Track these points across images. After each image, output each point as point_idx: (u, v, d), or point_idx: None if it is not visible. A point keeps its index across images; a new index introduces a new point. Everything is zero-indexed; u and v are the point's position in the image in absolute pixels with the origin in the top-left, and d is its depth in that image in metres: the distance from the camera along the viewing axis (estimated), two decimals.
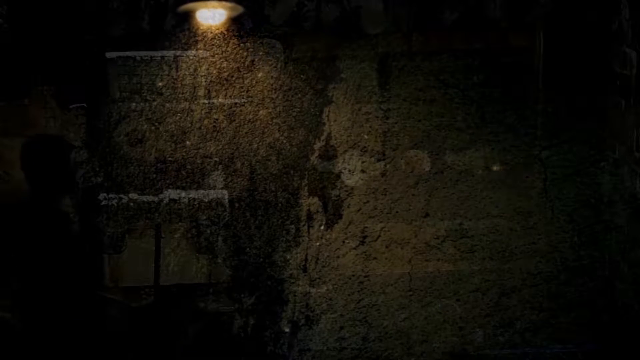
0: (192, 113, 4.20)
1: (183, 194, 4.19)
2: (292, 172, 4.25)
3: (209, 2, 4.16)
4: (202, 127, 4.20)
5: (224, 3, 4.18)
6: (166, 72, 4.18)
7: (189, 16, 4.17)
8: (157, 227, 4.19)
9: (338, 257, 4.30)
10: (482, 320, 4.36)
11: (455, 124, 4.30)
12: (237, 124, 4.22)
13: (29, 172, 3.95)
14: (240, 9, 4.18)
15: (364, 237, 4.29)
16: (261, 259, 4.24)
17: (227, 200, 4.20)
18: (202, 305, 4.19)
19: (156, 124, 4.19)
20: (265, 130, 4.23)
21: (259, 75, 4.22)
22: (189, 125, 4.20)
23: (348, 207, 4.28)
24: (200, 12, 4.17)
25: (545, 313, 4.36)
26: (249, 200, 4.23)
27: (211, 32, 4.19)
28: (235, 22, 4.19)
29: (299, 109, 4.24)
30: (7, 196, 4.13)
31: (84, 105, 4.14)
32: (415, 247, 4.32)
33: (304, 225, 4.27)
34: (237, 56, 4.21)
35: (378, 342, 4.32)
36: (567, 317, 4.37)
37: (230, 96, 4.22)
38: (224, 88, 4.21)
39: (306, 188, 4.26)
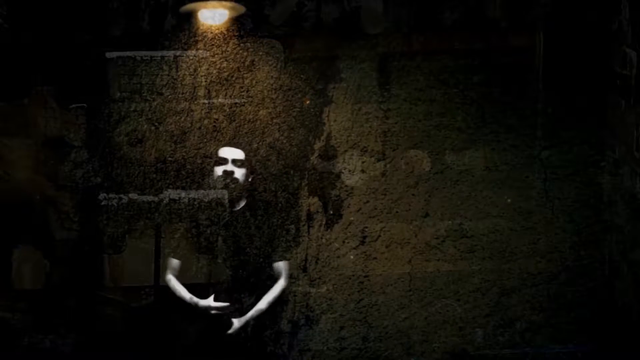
0: (192, 113, 4.20)
1: (183, 194, 4.19)
2: (292, 172, 4.25)
3: (209, 2, 4.16)
4: (202, 127, 4.20)
5: (224, 3, 4.18)
6: (166, 72, 4.18)
7: (189, 16, 4.17)
8: (157, 227, 4.18)
9: (338, 257, 4.30)
10: (482, 320, 4.36)
11: (455, 124, 4.30)
12: (237, 124, 4.22)
13: None
14: (242, 9, 4.18)
15: (364, 237, 4.29)
16: (261, 259, 4.24)
17: (227, 200, 4.20)
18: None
19: (156, 124, 4.19)
20: (265, 130, 4.23)
21: (259, 75, 4.22)
22: (189, 125, 4.20)
23: (348, 207, 4.28)
24: (201, 12, 4.17)
25: (545, 313, 4.36)
26: (249, 200, 4.23)
27: (211, 32, 4.19)
28: (235, 22, 4.19)
29: (299, 109, 4.24)
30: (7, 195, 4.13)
31: (84, 105, 4.14)
32: (415, 247, 4.32)
33: (304, 225, 4.27)
34: (237, 56, 4.21)
35: (378, 342, 4.32)
36: (567, 317, 4.37)
37: (230, 96, 4.22)
38: (224, 88, 4.21)
39: (306, 188, 4.26)
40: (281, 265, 4.12)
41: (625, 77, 4.17)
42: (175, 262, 4.11)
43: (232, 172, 4.00)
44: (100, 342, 4.17)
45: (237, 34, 4.19)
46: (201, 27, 4.18)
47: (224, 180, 4.01)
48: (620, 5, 4.21)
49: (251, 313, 4.03)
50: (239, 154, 4.05)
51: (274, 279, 4.12)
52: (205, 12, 4.16)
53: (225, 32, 4.18)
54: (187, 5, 4.15)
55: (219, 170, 4.04)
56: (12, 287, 4.16)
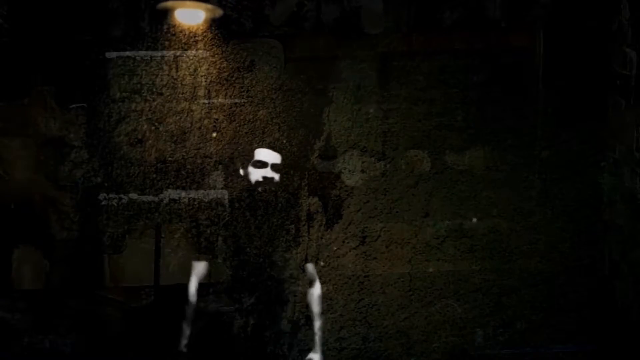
0: (192, 113, 4.20)
1: (183, 194, 4.19)
2: (292, 172, 4.25)
3: (186, 2, 4.16)
4: (202, 127, 4.20)
5: (200, 4, 4.18)
6: (166, 72, 4.18)
7: (166, 14, 4.17)
8: (157, 227, 4.18)
9: (338, 257, 4.29)
10: (482, 320, 4.36)
11: (455, 124, 4.30)
12: (237, 124, 4.22)
13: None
14: (219, 11, 4.18)
15: (364, 237, 4.29)
16: (261, 259, 4.24)
17: (227, 200, 4.20)
18: (202, 305, 4.19)
19: (156, 124, 4.19)
20: (265, 130, 4.23)
21: (259, 75, 4.22)
22: (189, 125, 4.20)
23: (348, 207, 4.27)
24: (191, 11, 4.17)
25: (545, 313, 4.36)
26: (249, 200, 4.23)
27: (212, 32, 4.19)
28: (235, 23, 4.19)
29: (299, 109, 4.24)
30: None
31: (84, 105, 4.14)
32: (415, 247, 4.31)
33: (304, 225, 4.27)
34: (237, 56, 4.21)
35: (378, 342, 4.32)
36: (567, 317, 4.37)
37: (230, 96, 4.22)
38: (224, 88, 4.21)
39: (306, 188, 4.26)
40: (311, 267, 4.04)
41: (625, 77, 4.17)
42: (201, 266, 3.96)
43: (272, 179, 3.77)
44: (100, 342, 4.17)
45: (237, 33, 4.20)
46: (202, 27, 4.18)
47: (263, 185, 3.75)
48: (620, 6, 4.21)
49: (318, 334, 3.85)
50: (277, 158, 3.83)
51: (307, 281, 4.06)
52: (182, 12, 4.16)
53: (225, 32, 4.18)
54: (163, 3, 4.15)
55: (256, 174, 3.81)
56: (13, 287, 4.16)
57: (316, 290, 3.78)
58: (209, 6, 4.16)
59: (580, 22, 4.28)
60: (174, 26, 4.16)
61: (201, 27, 4.18)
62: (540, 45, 4.30)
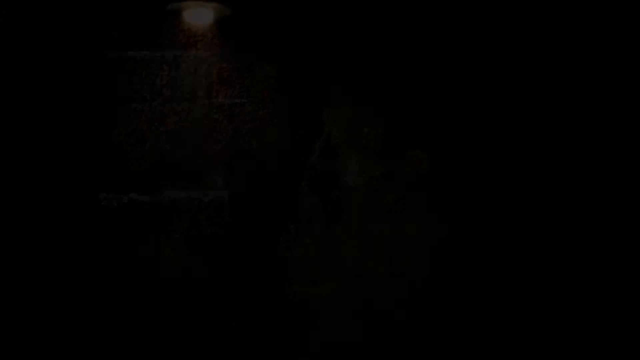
0: (192, 113, 4.21)
1: (183, 194, 4.20)
2: (292, 172, 4.25)
3: (195, 2, 4.17)
4: (202, 127, 4.21)
5: (209, 3, 4.19)
6: (166, 72, 4.19)
7: (175, 15, 4.18)
8: (157, 227, 4.19)
9: (338, 257, 4.29)
10: None
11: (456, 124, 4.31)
12: (237, 124, 4.22)
13: None
14: (227, 11, 4.19)
15: (364, 237, 4.29)
16: (261, 259, 4.24)
17: (227, 200, 4.20)
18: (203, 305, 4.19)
19: (156, 124, 4.19)
20: (265, 130, 4.24)
21: (259, 75, 4.23)
22: (189, 125, 4.21)
23: (348, 207, 4.27)
24: (201, 11, 4.18)
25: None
26: (249, 200, 4.23)
27: (211, 32, 4.20)
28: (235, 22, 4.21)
29: (299, 109, 4.24)
30: None
31: (84, 105, 4.15)
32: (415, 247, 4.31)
33: (304, 225, 4.28)
34: (237, 56, 4.22)
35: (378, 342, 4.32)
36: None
37: (230, 96, 4.23)
38: (224, 88, 4.22)
39: (306, 188, 4.26)
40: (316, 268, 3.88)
41: None
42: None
43: None
44: None
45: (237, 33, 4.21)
46: (201, 27, 4.19)
47: None
48: None
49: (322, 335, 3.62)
50: None
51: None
52: (191, 12, 4.17)
53: (225, 32, 4.19)
54: (173, 4, 4.15)
55: None
56: None
57: (322, 290, 3.70)
58: (216, 5, 4.16)
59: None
60: (175, 26, 4.18)
61: (203, 27, 4.19)
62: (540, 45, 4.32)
